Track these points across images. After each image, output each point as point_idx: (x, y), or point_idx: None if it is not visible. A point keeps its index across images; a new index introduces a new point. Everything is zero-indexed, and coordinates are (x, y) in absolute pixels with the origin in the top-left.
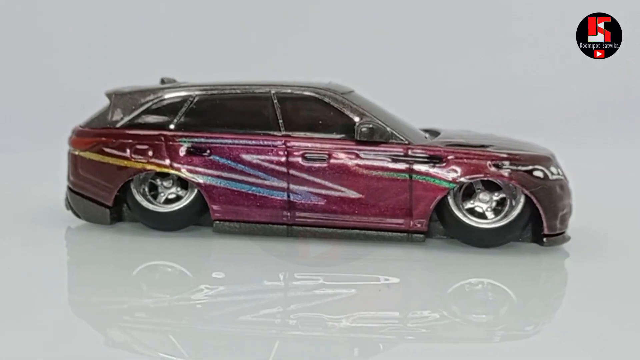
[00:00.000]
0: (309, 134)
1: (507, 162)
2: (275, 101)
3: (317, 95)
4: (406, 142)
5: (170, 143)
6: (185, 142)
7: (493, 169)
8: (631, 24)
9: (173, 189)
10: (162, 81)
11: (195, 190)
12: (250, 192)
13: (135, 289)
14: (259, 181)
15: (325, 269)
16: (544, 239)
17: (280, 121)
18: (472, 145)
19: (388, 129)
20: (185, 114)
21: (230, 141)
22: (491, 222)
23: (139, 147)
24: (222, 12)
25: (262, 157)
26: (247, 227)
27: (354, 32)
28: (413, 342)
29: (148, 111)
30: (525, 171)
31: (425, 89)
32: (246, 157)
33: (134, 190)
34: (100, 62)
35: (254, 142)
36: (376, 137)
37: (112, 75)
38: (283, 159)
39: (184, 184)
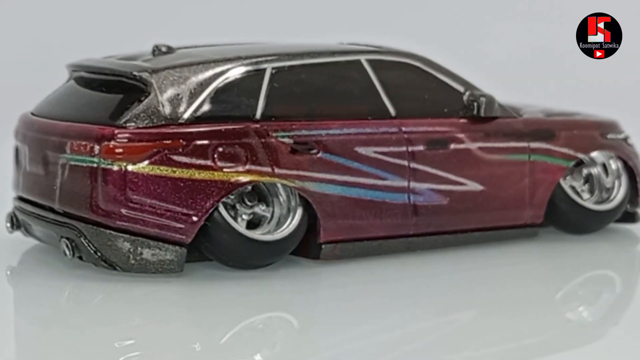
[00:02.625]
0: (421, 113)
1: (610, 131)
2: (370, 72)
3: (412, 62)
4: (516, 116)
5: (265, 140)
6: (284, 136)
7: (602, 139)
8: (631, 24)
9: (259, 207)
10: (158, 49)
11: (301, 206)
12: (367, 197)
13: None
14: (377, 182)
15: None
16: None
17: (385, 98)
18: (567, 114)
19: (496, 99)
20: (268, 96)
21: (338, 131)
22: (605, 202)
23: (224, 149)
24: None
25: (379, 149)
26: (361, 247)
27: None
28: None
29: (215, 95)
30: (623, 139)
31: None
32: (361, 151)
33: (224, 213)
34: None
35: (367, 129)
36: (494, 111)
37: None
38: (403, 149)
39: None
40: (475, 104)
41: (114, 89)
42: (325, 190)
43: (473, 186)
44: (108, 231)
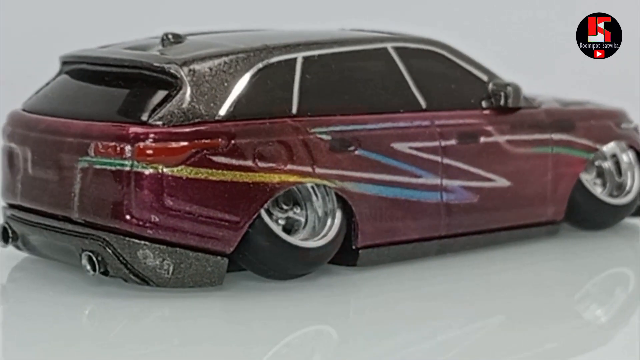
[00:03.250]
0: (450, 104)
1: (623, 120)
2: (398, 60)
3: (436, 49)
4: (536, 106)
5: (303, 137)
6: (322, 133)
7: (618, 129)
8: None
9: (292, 211)
10: (167, 38)
11: (340, 209)
12: (403, 197)
13: None
14: (412, 180)
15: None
16: None
17: (415, 89)
18: (580, 104)
19: (522, 89)
20: (302, 89)
21: (375, 126)
22: (621, 195)
23: (264, 148)
24: None
25: (414, 144)
26: (397, 251)
27: None
28: None
29: (249, 88)
30: (634, 129)
31: None
32: (397, 147)
33: (266, 219)
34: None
35: (401, 124)
36: (521, 101)
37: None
38: (436, 143)
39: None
40: (502, 93)
41: (135, 82)
42: (364, 191)
43: (501, 182)
44: (142, 242)
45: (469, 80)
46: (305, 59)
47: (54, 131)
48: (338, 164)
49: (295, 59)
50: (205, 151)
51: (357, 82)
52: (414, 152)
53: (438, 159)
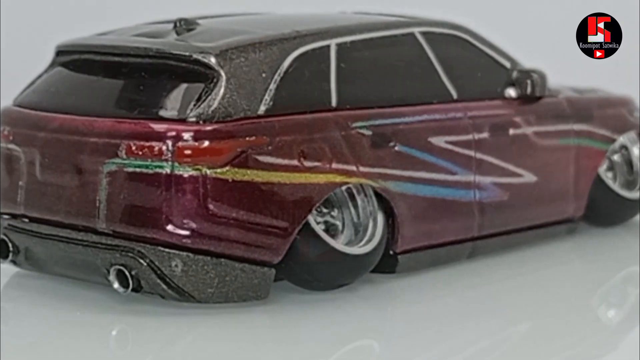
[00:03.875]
0: (479, 94)
1: (634, 108)
2: (426, 47)
3: (460, 34)
4: (556, 95)
5: (345, 132)
6: (362, 127)
7: (631, 118)
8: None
9: (330, 214)
10: (180, 24)
11: (381, 211)
12: (440, 196)
13: None
14: (448, 177)
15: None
16: None
17: (445, 78)
18: (592, 91)
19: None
20: (339, 79)
21: (412, 119)
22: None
23: (309, 146)
24: None
25: (450, 138)
26: (433, 255)
27: None
28: None
29: (286, 80)
30: None
31: None
32: (434, 141)
33: (314, 224)
34: None
35: (437, 116)
36: (546, 89)
37: None
38: (469, 137)
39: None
40: (528, 81)
41: (162, 74)
42: (404, 190)
43: (528, 177)
44: (183, 253)
45: (493, 67)
46: (339, 46)
47: (72, 130)
48: (380, 162)
49: (328, 47)
50: (250, 150)
51: (390, 71)
52: (450, 147)
53: (472, 153)
